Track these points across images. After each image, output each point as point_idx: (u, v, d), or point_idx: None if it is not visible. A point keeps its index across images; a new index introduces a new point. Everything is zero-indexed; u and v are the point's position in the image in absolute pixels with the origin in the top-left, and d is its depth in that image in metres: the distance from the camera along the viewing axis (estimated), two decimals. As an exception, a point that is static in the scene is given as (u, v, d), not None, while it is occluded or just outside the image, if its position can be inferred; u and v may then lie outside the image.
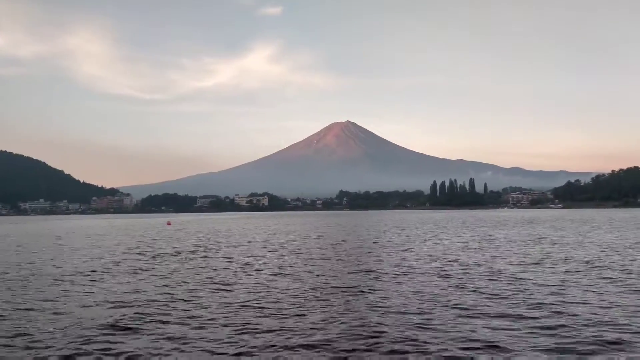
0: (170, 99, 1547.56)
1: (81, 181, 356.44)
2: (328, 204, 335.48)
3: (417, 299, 13.09)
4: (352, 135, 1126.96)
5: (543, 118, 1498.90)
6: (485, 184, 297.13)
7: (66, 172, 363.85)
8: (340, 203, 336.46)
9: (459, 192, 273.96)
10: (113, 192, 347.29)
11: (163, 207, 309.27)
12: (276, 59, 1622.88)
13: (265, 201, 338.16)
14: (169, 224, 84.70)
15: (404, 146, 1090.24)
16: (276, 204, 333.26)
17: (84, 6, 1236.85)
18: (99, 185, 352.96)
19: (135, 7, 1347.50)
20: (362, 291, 14.42)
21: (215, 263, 22.46)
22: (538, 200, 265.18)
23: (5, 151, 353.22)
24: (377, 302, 12.81)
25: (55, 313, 11.95)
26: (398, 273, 18.11)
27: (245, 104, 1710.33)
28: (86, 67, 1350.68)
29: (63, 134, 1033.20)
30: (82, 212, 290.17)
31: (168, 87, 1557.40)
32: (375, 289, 14.86)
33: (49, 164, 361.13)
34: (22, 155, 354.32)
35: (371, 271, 18.72)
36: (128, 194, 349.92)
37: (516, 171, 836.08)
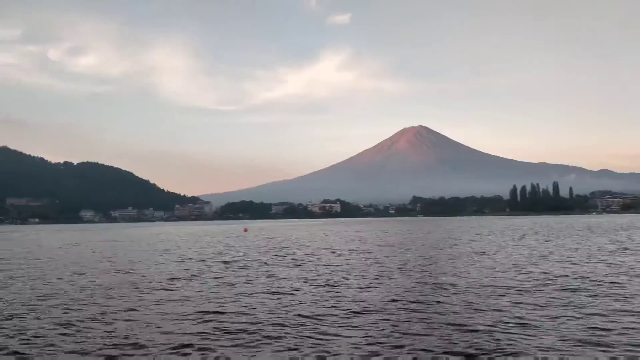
0: (244, 110, 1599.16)
1: (165, 190, 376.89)
2: (401, 210, 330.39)
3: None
4: (424, 140, 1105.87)
5: (633, 116, 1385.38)
6: (571, 188, 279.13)
7: (151, 181, 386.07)
8: (413, 209, 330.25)
9: (542, 197, 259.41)
10: (194, 200, 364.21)
11: (240, 214, 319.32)
12: (345, 66, 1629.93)
13: (337, 208, 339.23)
14: (245, 230, 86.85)
15: (480, 149, 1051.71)
16: (348, 210, 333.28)
17: (166, 23, 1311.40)
18: (181, 194, 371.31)
19: (212, 21, 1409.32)
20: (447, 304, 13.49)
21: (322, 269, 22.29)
22: (631, 205, 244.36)
23: (97, 163, 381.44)
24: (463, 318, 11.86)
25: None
26: (499, 286, 16.88)
27: (316, 113, 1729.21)
28: (168, 81, 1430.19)
29: (148, 146, 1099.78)
30: (166, 219, 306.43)
31: (242, 98, 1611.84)
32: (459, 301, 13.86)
33: (136, 175, 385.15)
34: (113, 167, 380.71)
35: (451, 284, 17.63)
36: (208, 202, 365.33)
37: (604, 173, 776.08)
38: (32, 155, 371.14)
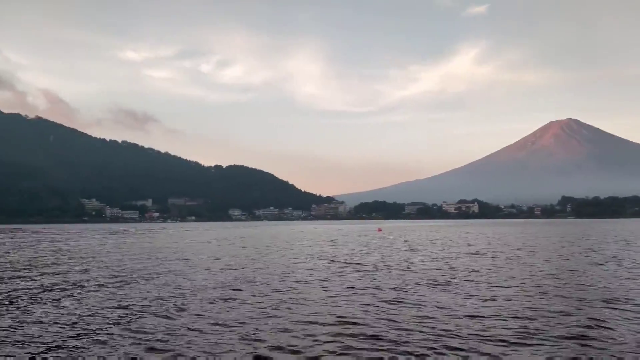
0: (377, 111, 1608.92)
1: (302, 190, 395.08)
2: (548, 212, 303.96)
3: None
4: (574, 134, 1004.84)
5: None
6: None
7: (290, 182, 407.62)
8: (563, 210, 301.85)
9: None
10: (329, 200, 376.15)
11: (373, 214, 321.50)
12: (483, 59, 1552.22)
13: (475, 208, 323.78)
14: (379, 230, 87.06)
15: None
16: (487, 211, 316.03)
17: (302, 33, 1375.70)
18: (317, 194, 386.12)
19: (343, 25, 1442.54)
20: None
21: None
22: None
23: (243, 166, 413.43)
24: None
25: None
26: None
27: (451, 109, 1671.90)
28: (304, 87, 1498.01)
29: (287, 149, 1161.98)
30: (304, 218, 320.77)
31: (375, 98, 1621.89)
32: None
33: (277, 176, 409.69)
34: (256, 169, 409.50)
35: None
36: (342, 202, 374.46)
37: None
38: (188, 160, 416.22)
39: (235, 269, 22.89)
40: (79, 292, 16.10)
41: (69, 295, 15.50)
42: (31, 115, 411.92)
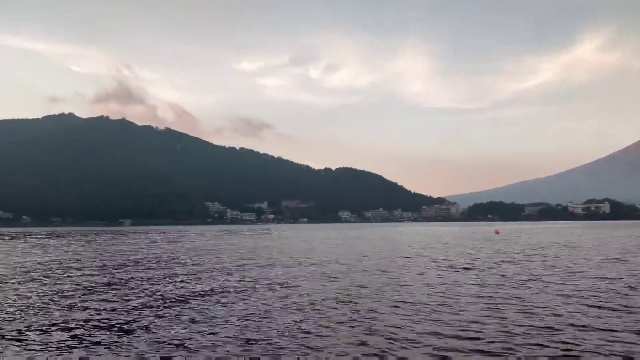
0: (489, 106, 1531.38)
1: (412, 191, 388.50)
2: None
3: None
4: None
5: None
6: None
7: (399, 183, 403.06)
8: None
9: None
10: (440, 201, 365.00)
11: (489, 215, 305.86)
12: (608, 46, 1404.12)
13: (605, 208, 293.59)
14: (497, 232, 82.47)
15: None
16: (620, 211, 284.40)
17: (407, 30, 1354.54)
18: (428, 195, 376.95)
19: (449, 21, 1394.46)
20: None
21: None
22: None
23: (351, 168, 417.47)
24: None
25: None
26: None
27: (574, 101, 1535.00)
28: (412, 86, 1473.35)
29: (395, 149, 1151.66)
30: (414, 220, 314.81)
31: (487, 94, 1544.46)
32: None
33: (385, 177, 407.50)
34: (364, 171, 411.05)
35: None
36: (454, 203, 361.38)
37: None
38: (299, 163, 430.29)
39: (394, 276, 22.84)
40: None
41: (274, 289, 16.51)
42: (161, 127, 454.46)
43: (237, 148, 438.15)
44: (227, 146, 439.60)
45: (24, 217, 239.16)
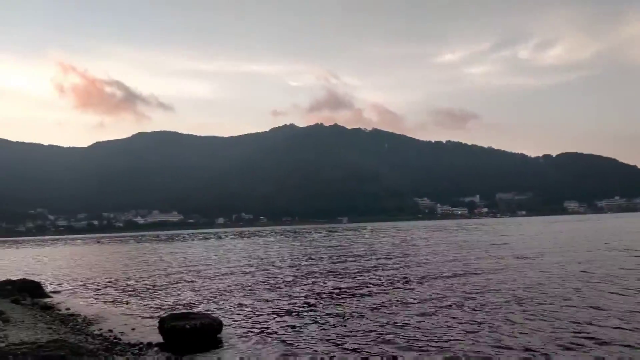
0: None
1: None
2: None
3: None
4: None
5: None
6: None
7: (639, 166, 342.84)
8: None
9: None
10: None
11: None
12: None
13: None
14: None
15: None
16: None
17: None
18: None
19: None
20: None
21: None
22: None
23: (576, 152, 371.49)
24: None
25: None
26: None
27: None
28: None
29: (630, 127, 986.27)
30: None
31: None
32: None
33: (619, 160, 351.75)
34: (592, 154, 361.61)
35: None
36: None
37: None
38: (512, 152, 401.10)
39: None
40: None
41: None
42: (368, 128, 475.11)
43: (444, 142, 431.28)
44: (432, 141, 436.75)
45: (261, 217, 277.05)
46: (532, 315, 12.14)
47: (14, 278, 20.57)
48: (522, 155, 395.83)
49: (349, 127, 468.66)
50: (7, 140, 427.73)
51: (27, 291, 18.01)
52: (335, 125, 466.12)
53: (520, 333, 10.46)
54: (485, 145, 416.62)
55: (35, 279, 21.41)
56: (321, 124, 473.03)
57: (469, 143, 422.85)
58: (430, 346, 9.71)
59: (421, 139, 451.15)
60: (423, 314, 12.67)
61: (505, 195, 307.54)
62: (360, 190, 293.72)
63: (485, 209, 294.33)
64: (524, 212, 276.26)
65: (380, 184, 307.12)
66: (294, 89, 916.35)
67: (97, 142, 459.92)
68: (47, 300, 17.29)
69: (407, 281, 18.90)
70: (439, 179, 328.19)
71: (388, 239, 54.31)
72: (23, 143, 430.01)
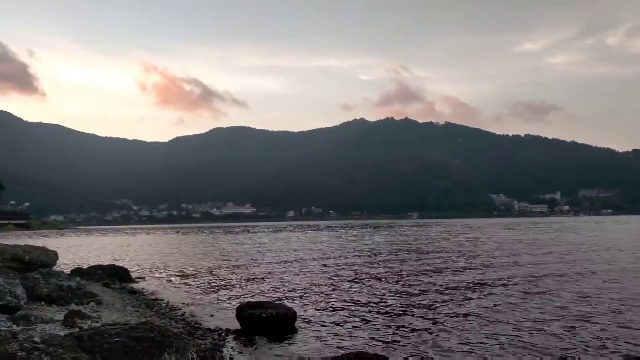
0: None
1: None
2: None
3: None
4: None
5: None
6: None
7: None
8: None
9: None
10: None
11: None
12: None
13: None
14: None
15: None
16: None
17: None
18: None
19: None
20: None
21: None
22: None
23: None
24: None
25: None
26: None
27: None
28: None
29: None
30: None
31: None
32: None
33: None
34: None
35: None
36: None
37: None
38: (598, 146, 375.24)
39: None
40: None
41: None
42: (440, 122, 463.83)
43: (522, 135, 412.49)
44: (510, 134, 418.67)
45: (330, 211, 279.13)
46: None
47: (104, 263, 22.14)
48: (609, 150, 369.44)
49: (420, 120, 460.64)
50: (96, 135, 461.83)
51: (116, 276, 19.30)
52: (406, 119, 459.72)
53: None
54: (568, 139, 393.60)
55: (122, 264, 22.89)
56: (392, 118, 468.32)
57: (550, 137, 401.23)
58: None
59: (497, 132, 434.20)
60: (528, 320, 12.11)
61: (589, 192, 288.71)
62: (431, 185, 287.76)
63: (567, 207, 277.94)
64: (609, 211, 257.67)
65: (453, 179, 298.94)
66: (365, 83, 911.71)
67: (176, 137, 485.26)
68: (133, 285, 18.42)
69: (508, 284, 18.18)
70: (517, 174, 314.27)
71: (480, 237, 52.70)
72: (110, 138, 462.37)
